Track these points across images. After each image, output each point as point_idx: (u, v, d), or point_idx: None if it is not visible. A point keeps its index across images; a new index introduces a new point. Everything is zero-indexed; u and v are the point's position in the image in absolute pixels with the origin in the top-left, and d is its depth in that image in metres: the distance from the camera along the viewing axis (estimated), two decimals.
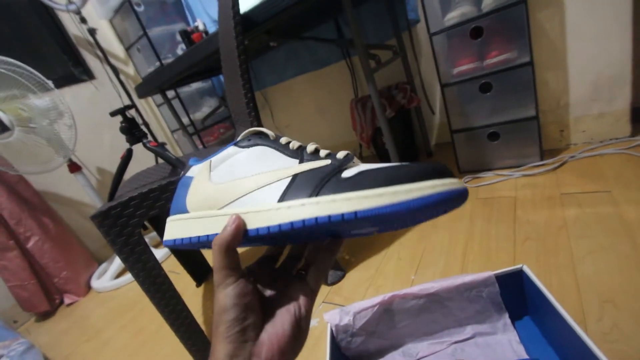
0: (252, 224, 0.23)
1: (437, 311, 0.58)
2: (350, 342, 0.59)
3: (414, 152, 1.44)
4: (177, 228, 0.29)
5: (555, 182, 0.93)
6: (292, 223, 0.21)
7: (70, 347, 1.18)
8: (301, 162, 0.25)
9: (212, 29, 1.65)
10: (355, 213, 0.20)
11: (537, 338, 0.54)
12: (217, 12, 0.85)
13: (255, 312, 0.25)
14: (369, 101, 1.32)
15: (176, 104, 1.79)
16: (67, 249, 1.56)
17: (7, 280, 1.41)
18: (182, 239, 0.27)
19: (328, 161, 0.25)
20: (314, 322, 0.78)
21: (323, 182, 0.22)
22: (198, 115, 1.97)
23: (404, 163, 0.23)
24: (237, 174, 0.27)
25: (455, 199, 0.22)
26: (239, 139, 0.30)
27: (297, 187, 0.23)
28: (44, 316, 1.52)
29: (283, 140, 0.28)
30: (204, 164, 0.29)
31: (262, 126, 0.88)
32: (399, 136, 1.32)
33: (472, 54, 1.00)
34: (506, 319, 0.56)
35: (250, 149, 0.28)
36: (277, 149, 0.27)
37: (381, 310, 0.58)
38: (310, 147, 0.26)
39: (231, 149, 0.29)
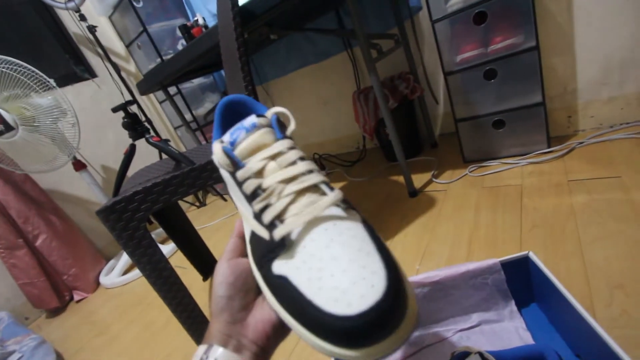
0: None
1: (442, 299, 0.57)
2: None
3: (418, 143, 1.42)
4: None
5: (563, 169, 0.91)
6: None
7: (80, 342, 1.20)
8: (254, 216, 0.27)
9: (212, 23, 1.63)
10: None
11: (544, 325, 0.53)
12: (216, 5, 0.84)
13: (243, 294, 0.28)
14: (371, 92, 1.30)
15: (178, 100, 1.78)
16: (75, 246, 1.58)
17: (17, 277, 1.43)
18: None
19: (267, 235, 0.25)
20: None
21: (262, 261, 0.26)
22: (200, 111, 1.97)
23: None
24: (234, 198, 0.31)
25: None
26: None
27: (254, 246, 0.27)
28: (54, 312, 1.55)
29: (239, 176, 0.27)
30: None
31: None
32: (403, 127, 1.30)
33: (476, 40, 0.98)
34: (512, 306, 0.56)
35: (225, 175, 0.29)
36: (236, 184, 0.28)
37: None
38: (257, 206, 0.26)
39: (224, 172, 0.30)
